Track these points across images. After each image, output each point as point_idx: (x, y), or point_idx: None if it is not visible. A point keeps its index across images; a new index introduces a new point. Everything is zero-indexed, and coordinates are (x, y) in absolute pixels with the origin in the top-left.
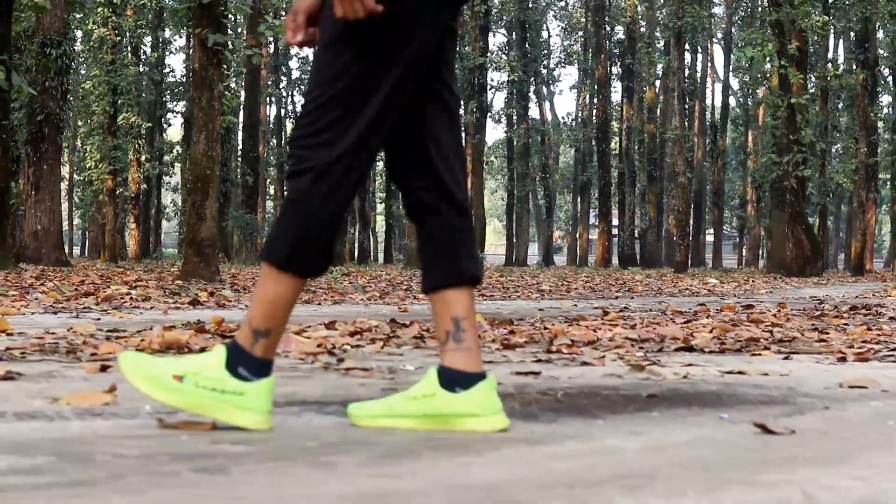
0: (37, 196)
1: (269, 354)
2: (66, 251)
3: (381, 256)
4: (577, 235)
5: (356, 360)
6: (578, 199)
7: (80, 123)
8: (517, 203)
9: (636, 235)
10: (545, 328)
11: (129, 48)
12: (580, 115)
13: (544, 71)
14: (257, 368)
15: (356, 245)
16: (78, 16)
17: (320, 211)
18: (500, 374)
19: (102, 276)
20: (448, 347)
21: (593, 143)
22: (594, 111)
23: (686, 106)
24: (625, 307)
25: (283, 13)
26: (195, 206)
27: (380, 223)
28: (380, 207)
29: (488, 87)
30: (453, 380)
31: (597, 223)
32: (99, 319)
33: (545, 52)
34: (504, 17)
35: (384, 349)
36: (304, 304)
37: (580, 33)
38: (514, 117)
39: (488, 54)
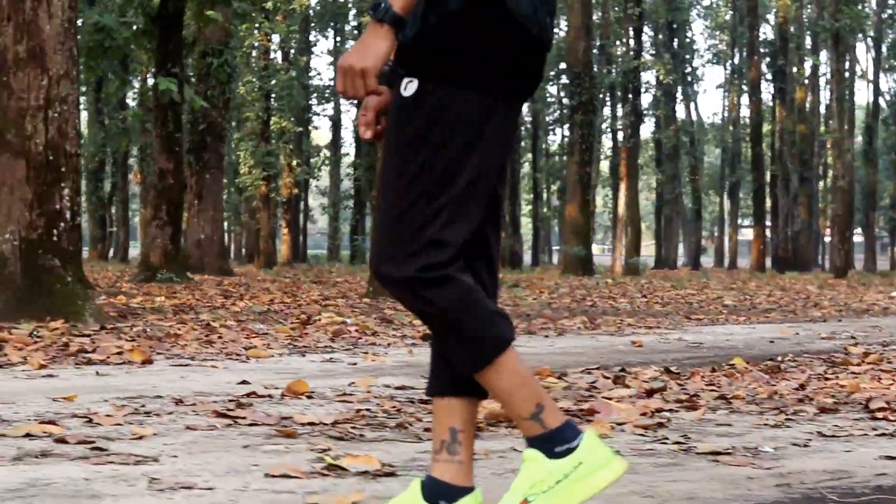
0: (200, 205)
1: (559, 417)
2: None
3: (527, 257)
4: (727, 237)
5: (699, 436)
6: (726, 201)
7: (233, 130)
8: (666, 205)
9: (790, 238)
10: (824, 377)
11: (280, 53)
12: (728, 115)
13: (688, 69)
14: (566, 435)
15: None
16: (242, 26)
17: (468, 298)
18: (864, 458)
19: (286, 291)
20: (441, 457)
21: (741, 145)
22: (742, 112)
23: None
24: (850, 338)
25: None
26: None
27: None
28: (525, 209)
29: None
30: (438, 493)
31: (748, 225)
32: (355, 364)
33: (691, 52)
34: (652, 19)
35: (706, 414)
36: (525, 336)
37: (721, 32)
38: (662, 119)
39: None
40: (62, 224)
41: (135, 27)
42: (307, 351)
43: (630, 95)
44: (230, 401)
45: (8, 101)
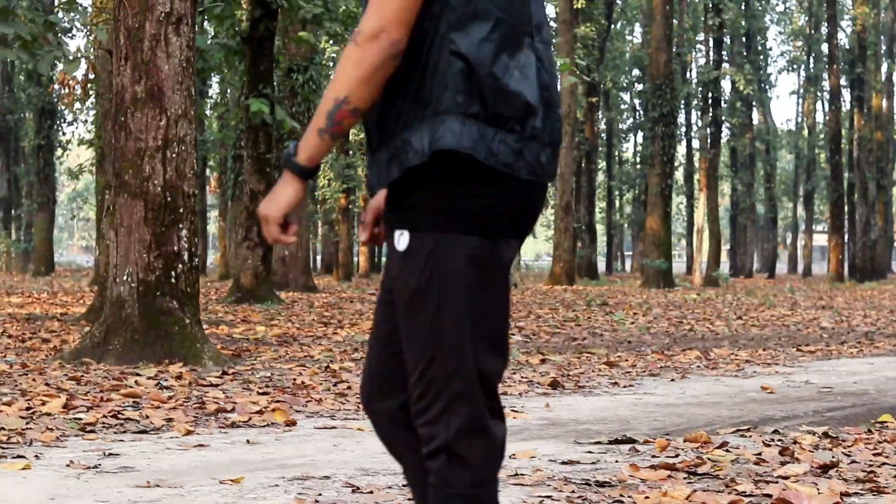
0: None
1: None
2: None
3: (600, 264)
4: (802, 245)
5: None
6: (798, 208)
7: None
8: (741, 213)
9: (867, 247)
10: None
11: None
12: (803, 122)
13: (764, 76)
14: None
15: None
16: (330, 42)
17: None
18: None
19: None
20: None
21: (816, 151)
22: (817, 118)
23: None
24: None
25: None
26: None
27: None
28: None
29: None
30: None
31: (821, 231)
32: None
33: (767, 59)
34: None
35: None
36: (649, 378)
37: (795, 38)
38: (737, 126)
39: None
40: (180, 265)
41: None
42: None
43: (710, 106)
44: (403, 486)
45: (126, 142)
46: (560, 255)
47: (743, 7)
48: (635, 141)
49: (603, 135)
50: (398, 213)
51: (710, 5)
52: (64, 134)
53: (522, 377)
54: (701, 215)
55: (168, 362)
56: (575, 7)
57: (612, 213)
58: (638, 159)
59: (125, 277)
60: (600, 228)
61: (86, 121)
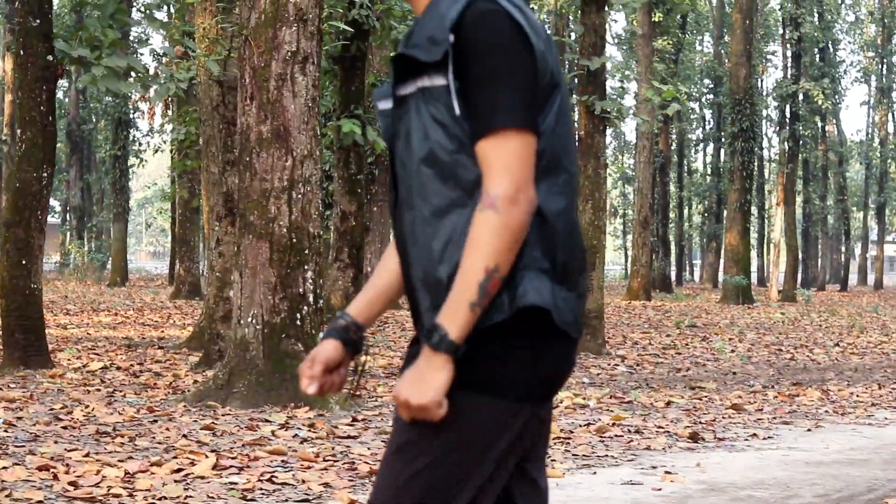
0: (367, 237)
1: None
2: None
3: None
4: (873, 256)
5: None
6: (868, 219)
7: None
8: (813, 225)
9: None
10: None
11: None
12: (874, 133)
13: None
14: None
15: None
16: None
17: None
18: None
19: None
20: None
21: (888, 163)
22: (889, 129)
23: None
24: None
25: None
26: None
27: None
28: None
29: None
30: None
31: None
32: (660, 490)
33: (839, 70)
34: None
35: None
36: (780, 425)
37: (866, 49)
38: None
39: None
40: (305, 308)
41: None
42: (592, 464)
43: (787, 120)
44: None
45: (251, 182)
46: (638, 269)
47: (816, 19)
48: (705, 151)
49: (673, 145)
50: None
51: (789, 18)
52: (140, 144)
53: (657, 426)
54: (778, 230)
55: (294, 406)
56: (652, 20)
57: (682, 224)
58: (709, 170)
59: (250, 319)
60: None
61: (161, 131)
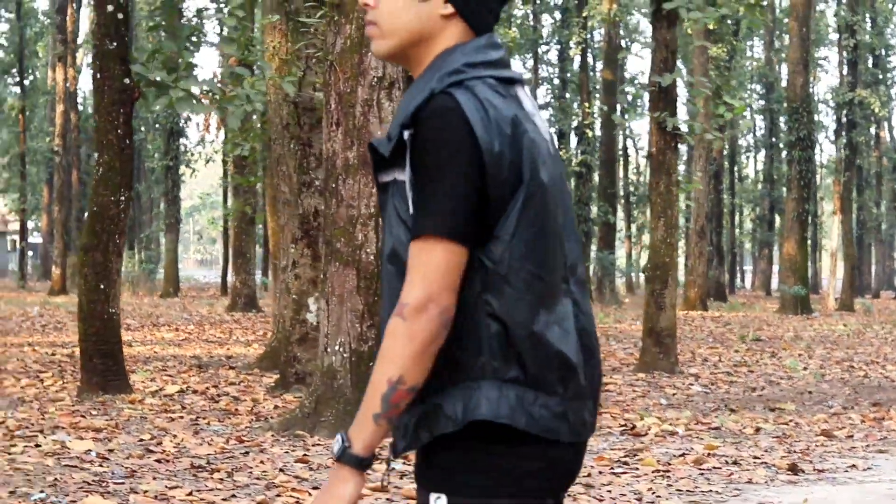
0: None
1: None
2: None
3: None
4: None
5: None
6: None
7: None
8: (866, 233)
9: None
10: None
11: None
12: None
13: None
14: None
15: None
16: None
17: None
18: None
19: None
20: None
21: None
22: None
23: None
24: None
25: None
26: (654, 294)
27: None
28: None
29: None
30: None
31: None
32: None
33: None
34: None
35: None
36: (887, 461)
37: None
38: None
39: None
40: None
41: None
42: (698, 500)
43: (843, 128)
44: None
45: (337, 209)
46: (694, 279)
47: (869, 25)
48: (755, 158)
49: (727, 151)
50: (432, 474)
51: (844, 25)
52: (191, 155)
53: (753, 457)
54: (835, 238)
55: None
56: (708, 28)
57: (734, 231)
58: (761, 177)
59: (337, 347)
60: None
61: (212, 140)
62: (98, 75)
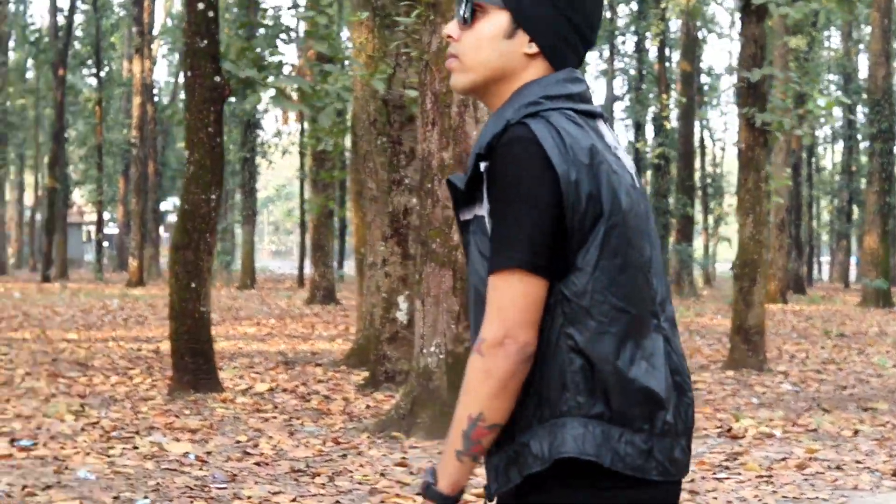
0: None
1: None
2: None
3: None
4: None
5: None
6: None
7: None
8: None
9: None
10: None
11: None
12: None
13: None
14: None
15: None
16: None
17: None
18: None
19: None
20: None
21: None
22: None
23: None
24: None
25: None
26: (742, 291)
27: None
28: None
29: None
30: None
31: None
32: None
33: None
34: None
35: None
36: None
37: None
38: None
39: None
40: None
41: None
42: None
43: None
44: None
45: (433, 210)
46: (774, 272)
47: None
48: (833, 149)
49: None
50: None
51: None
52: (269, 146)
53: (855, 461)
54: None
55: None
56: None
57: (811, 222)
58: (839, 168)
59: (433, 349)
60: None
61: (289, 132)
62: (188, 73)
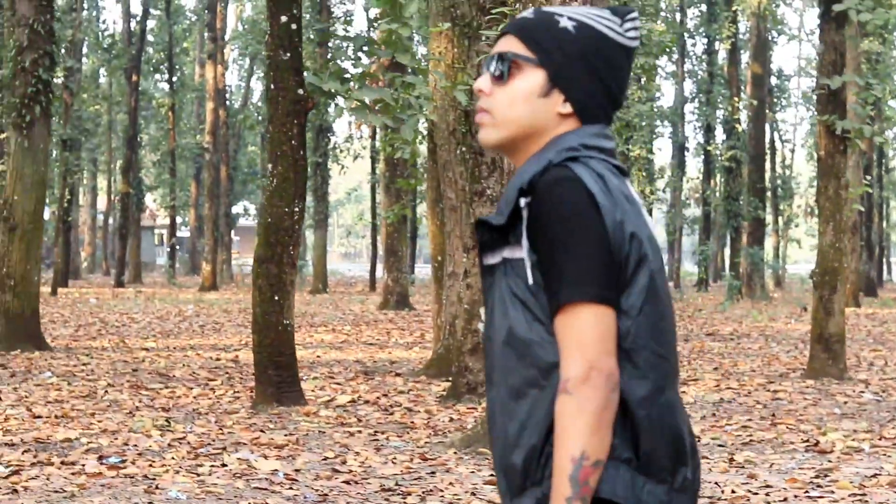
0: None
1: None
2: None
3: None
4: None
5: None
6: None
7: None
8: None
9: None
10: None
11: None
12: None
13: None
14: None
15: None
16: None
17: None
18: None
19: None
20: None
21: None
22: None
23: None
24: None
25: None
26: (822, 300)
27: None
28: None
29: None
30: None
31: None
32: None
33: None
34: None
35: None
36: None
37: None
38: None
39: None
40: None
41: None
42: None
43: None
44: None
45: None
46: (847, 275)
47: None
48: None
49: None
50: None
51: None
52: (341, 151)
53: None
54: None
55: None
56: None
57: (881, 224)
58: None
59: None
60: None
61: (360, 137)
62: (272, 86)
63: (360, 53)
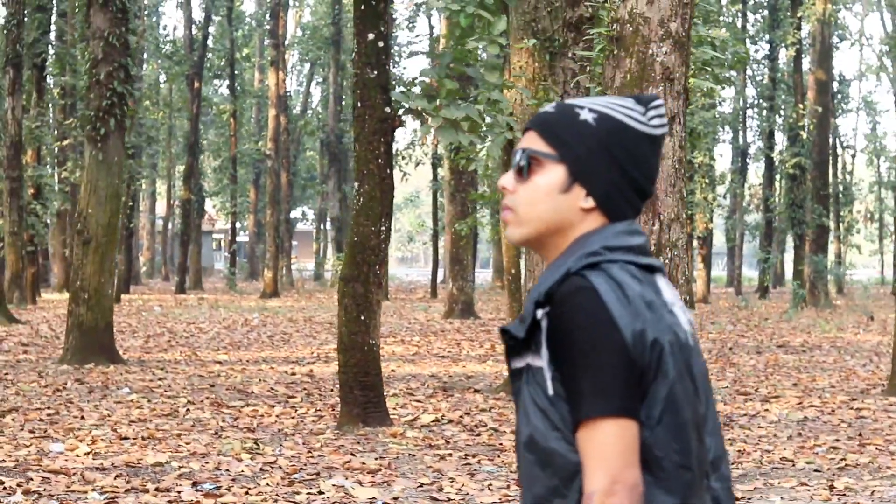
0: None
1: None
2: None
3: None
4: None
5: None
6: None
7: None
8: None
9: None
10: None
11: None
12: None
13: None
14: None
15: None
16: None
17: None
18: None
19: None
20: None
21: None
22: None
23: None
24: None
25: None
26: None
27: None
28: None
29: None
30: None
31: None
32: None
33: None
34: None
35: None
36: None
37: None
38: None
39: None
40: None
41: None
42: None
43: None
44: None
45: None
46: None
47: None
48: None
49: None
50: None
51: None
52: (403, 158)
53: None
54: None
55: None
56: None
57: None
58: None
59: None
60: None
61: (422, 143)
62: (359, 104)
63: (446, 70)
